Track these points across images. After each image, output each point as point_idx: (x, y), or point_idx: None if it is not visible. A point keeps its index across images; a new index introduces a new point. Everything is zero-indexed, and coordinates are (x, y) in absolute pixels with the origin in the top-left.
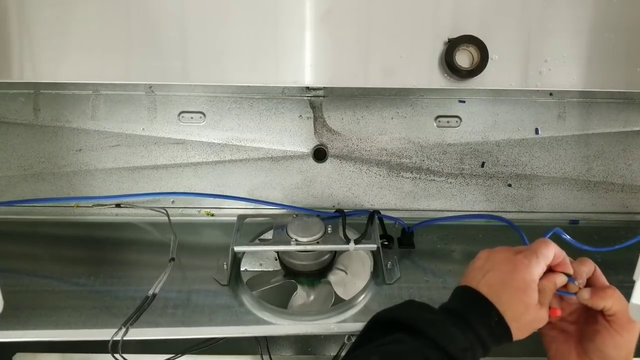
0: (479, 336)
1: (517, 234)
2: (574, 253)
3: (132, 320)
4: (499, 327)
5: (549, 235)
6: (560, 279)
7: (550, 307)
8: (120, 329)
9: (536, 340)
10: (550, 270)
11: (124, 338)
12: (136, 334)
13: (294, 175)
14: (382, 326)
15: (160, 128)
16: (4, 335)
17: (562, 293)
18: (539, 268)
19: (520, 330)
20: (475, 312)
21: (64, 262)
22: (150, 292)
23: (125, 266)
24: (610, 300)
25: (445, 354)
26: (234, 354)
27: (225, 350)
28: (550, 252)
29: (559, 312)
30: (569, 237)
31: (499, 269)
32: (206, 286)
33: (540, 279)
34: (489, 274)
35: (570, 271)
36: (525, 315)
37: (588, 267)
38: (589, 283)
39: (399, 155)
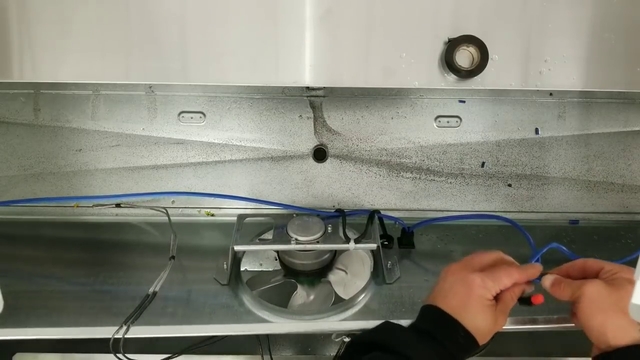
0: (446, 348)
1: (517, 234)
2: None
3: (133, 318)
4: (466, 340)
5: (544, 251)
6: (521, 288)
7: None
8: (121, 327)
9: (535, 340)
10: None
11: (125, 336)
12: (137, 332)
13: (294, 175)
14: (360, 347)
15: (160, 128)
16: (3, 333)
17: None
18: (493, 290)
19: (484, 337)
20: (443, 329)
21: (64, 262)
22: (151, 290)
23: (126, 266)
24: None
25: None
26: (235, 353)
27: (225, 349)
28: (510, 281)
29: (541, 299)
30: (567, 249)
31: (458, 291)
32: (206, 286)
33: (506, 290)
34: (449, 295)
35: (532, 277)
36: (487, 327)
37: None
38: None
39: (399, 155)
